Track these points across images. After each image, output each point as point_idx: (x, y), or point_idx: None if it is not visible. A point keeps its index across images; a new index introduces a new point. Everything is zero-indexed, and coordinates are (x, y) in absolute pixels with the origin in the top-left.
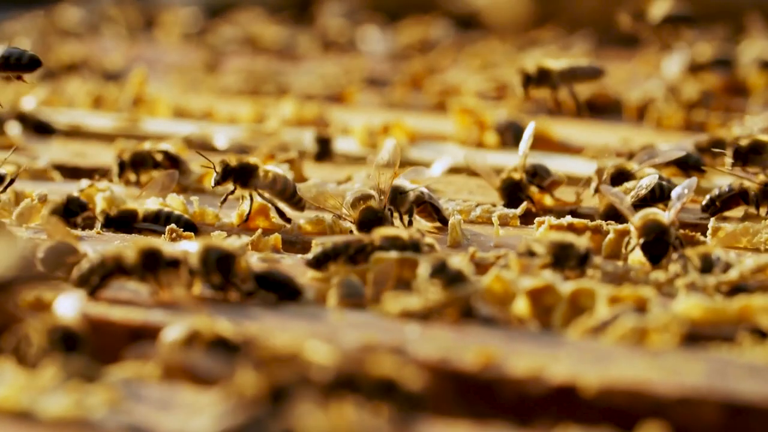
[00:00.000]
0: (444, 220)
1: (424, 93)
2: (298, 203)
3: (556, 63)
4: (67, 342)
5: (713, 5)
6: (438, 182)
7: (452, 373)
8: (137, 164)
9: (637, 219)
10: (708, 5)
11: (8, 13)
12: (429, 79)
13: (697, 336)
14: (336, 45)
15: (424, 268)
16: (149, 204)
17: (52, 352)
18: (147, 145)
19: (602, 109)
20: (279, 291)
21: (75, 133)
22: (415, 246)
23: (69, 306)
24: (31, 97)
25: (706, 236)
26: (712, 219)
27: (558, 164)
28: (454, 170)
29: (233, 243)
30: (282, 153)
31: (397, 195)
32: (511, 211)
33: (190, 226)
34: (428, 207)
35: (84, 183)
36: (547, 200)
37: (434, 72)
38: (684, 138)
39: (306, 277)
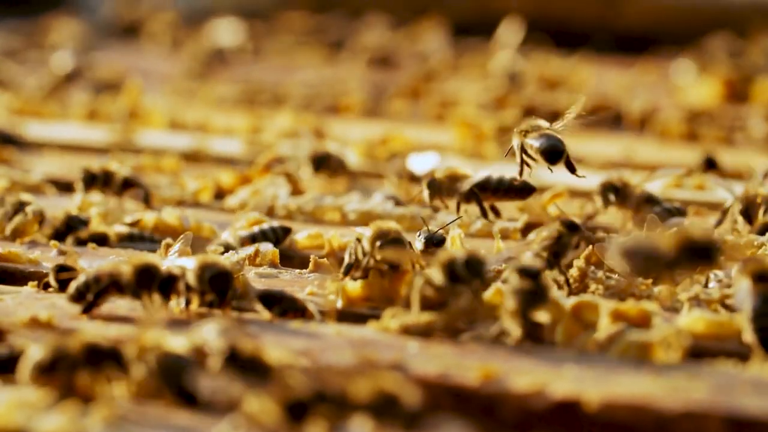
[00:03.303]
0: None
1: (423, 104)
2: None
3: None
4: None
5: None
6: None
7: (453, 389)
8: (105, 182)
9: None
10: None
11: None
12: (428, 90)
13: (701, 350)
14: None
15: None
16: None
17: None
18: (114, 166)
19: (603, 118)
20: (278, 308)
21: (69, 146)
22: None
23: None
24: None
25: None
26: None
27: (558, 176)
28: None
29: (230, 258)
30: (278, 165)
31: None
32: (511, 224)
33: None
34: None
35: (77, 198)
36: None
37: (433, 82)
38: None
39: (304, 293)
